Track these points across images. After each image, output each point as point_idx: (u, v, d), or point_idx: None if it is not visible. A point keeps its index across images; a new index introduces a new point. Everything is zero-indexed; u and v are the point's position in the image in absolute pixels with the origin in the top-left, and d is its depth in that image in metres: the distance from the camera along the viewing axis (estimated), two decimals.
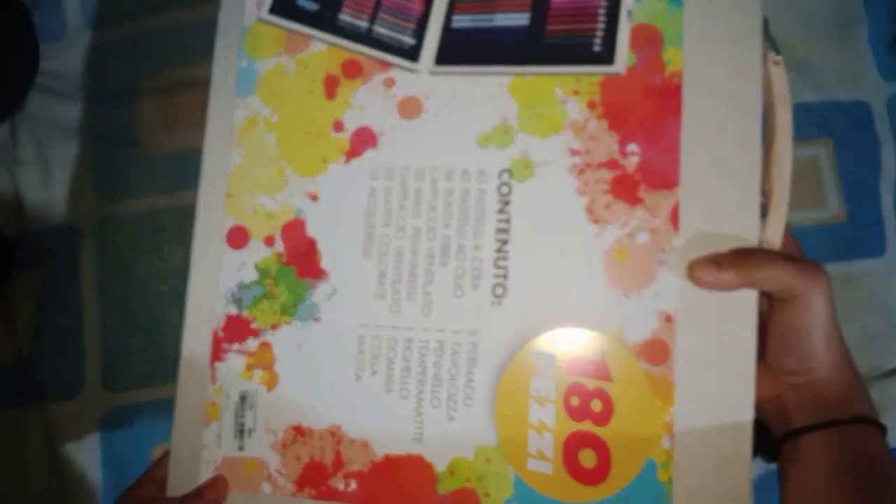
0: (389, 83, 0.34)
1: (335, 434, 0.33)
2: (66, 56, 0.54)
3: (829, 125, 0.52)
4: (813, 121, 0.52)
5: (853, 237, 0.52)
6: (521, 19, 0.33)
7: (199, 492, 0.32)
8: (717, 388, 0.29)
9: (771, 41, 0.32)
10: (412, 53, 0.34)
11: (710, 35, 0.31)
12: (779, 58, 0.32)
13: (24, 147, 0.53)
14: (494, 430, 0.31)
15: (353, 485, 0.32)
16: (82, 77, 0.54)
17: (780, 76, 0.31)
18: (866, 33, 0.53)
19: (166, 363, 0.51)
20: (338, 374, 0.33)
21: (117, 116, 0.54)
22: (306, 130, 0.35)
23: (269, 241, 0.34)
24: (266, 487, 0.33)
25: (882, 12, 0.53)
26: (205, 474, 0.34)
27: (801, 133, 0.49)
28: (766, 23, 0.31)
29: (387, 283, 0.33)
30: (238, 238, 0.35)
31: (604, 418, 0.30)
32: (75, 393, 0.51)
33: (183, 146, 0.53)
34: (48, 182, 0.53)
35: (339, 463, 0.32)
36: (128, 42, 0.54)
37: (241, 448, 0.33)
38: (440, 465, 0.31)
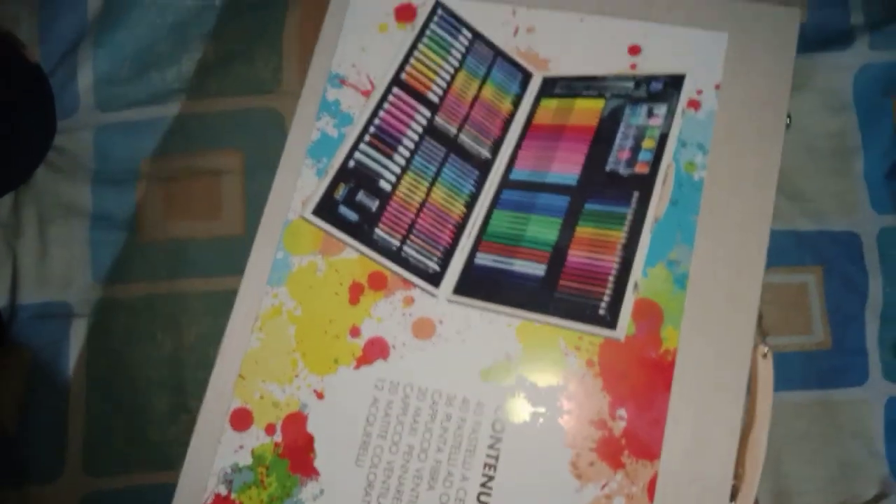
0: (409, 301, 0.37)
1: None
2: (75, 134, 0.56)
3: (821, 253, 0.54)
4: (805, 248, 0.54)
5: (836, 365, 0.53)
6: (537, 269, 0.37)
7: None
8: None
9: (761, 334, 0.35)
10: (435, 279, 0.37)
11: (707, 320, 0.34)
12: (767, 350, 0.35)
13: (25, 222, 0.55)
14: None
15: None
16: (88, 157, 0.56)
17: (766, 369, 0.35)
18: (863, 166, 0.56)
19: (148, 449, 0.52)
20: None
21: (119, 200, 0.55)
22: (325, 330, 0.37)
23: (270, 430, 0.37)
24: None
25: (880, 147, 0.56)
26: None
27: (793, 260, 0.53)
28: (760, 316, 0.35)
29: (373, 495, 0.35)
30: (241, 420, 0.37)
31: None
32: (56, 476, 0.51)
33: (182, 234, 0.55)
34: (45, 259, 0.54)
35: None
36: (135, 127, 0.56)
37: None
38: None
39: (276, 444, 0.36)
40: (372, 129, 0.40)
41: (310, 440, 0.36)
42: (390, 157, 0.40)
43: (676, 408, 0.34)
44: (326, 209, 0.39)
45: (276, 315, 0.38)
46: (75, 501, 0.51)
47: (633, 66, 0.39)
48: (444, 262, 0.38)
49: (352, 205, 0.39)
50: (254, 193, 0.55)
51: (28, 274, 0.54)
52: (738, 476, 0.34)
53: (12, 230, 0.55)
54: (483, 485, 0.34)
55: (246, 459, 0.36)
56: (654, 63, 0.39)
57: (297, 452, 0.36)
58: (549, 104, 0.39)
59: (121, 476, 0.51)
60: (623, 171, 0.38)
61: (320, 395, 0.37)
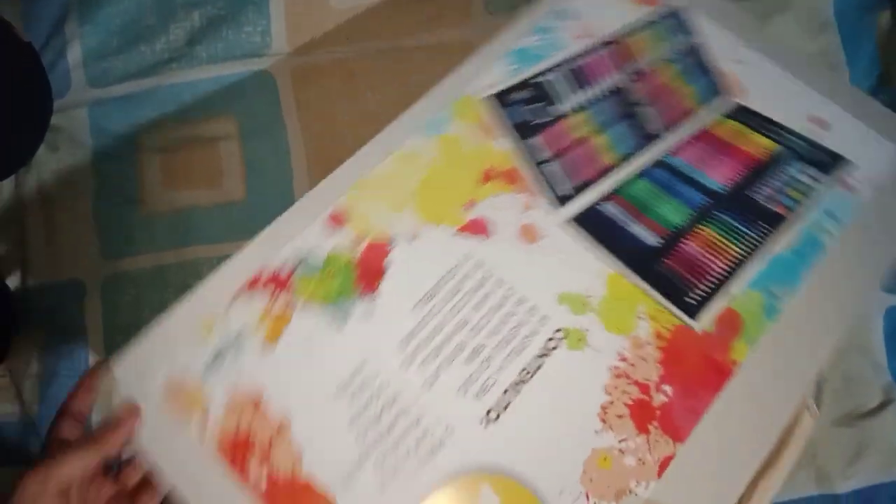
0: (528, 206, 0.40)
1: (282, 429, 0.34)
2: (69, 112, 0.56)
3: None
4: None
5: None
6: (652, 239, 0.39)
7: (118, 422, 0.33)
8: None
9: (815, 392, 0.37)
10: (562, 200, 0.40)
11: (777, 354, 0.36)
12: (816, 412, 0.37)
13: (29, 204, 0.55)
14: None
15: (264, 480, 0.33)
16: (85, 134, 0.56)
17: (806, 426, 0.36)
18: (848, 83, 0.56)
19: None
20: (324, 380, 0.35)
21: (120, 174, 0.56)
22: (447, 189, 0.40)
23: (356, 242, 0.39)
24: (194, 427, 0.34)
25: (863, 63, 0.56)
26: (155, 385, 0.35)
27: None
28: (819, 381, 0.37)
29: (413, 343, 0.36)
30: (337, 220, 0.39)
31: None
32: None
33: (184, 204, 0.55)
34: (52, 239, 0.55)
35: (266, 454, 0.34)
36: (129, 100, 0.56)
37: (202, 378, 0.35)
38: None
39: (353, 258, 0.38)
40: (573, 65, 0.44)
41: (381, 272, 0.38)
42: (574, 93, 0.43)
43: (717, 411, 0.35)
44: (504, 99, 0.43)
45: (415, 159, 0.41)
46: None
47: (812, 130, 0.43)
48: (576, 192, 0.40)
49: (525, 109, 0.42)
50: (252, 158, 0.55)
51: (37, 255, 0.54)
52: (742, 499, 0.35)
53: (17, 213, 0.55)
54: (514, 384, 0.36)
55: (321, 254, 0.38)
56: (831, 138, 0.42)
57: (366, 274, 0.38)
58: (731, 124, 0.43)
59: None
60: (763, 202, 0.41)
61: (413, 237, 0.39)
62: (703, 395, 0.36)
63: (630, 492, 0.34)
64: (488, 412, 0.35)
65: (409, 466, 0.34)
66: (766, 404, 0.36)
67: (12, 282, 0.54)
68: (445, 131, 0.42)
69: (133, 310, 0.53)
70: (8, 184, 0.56)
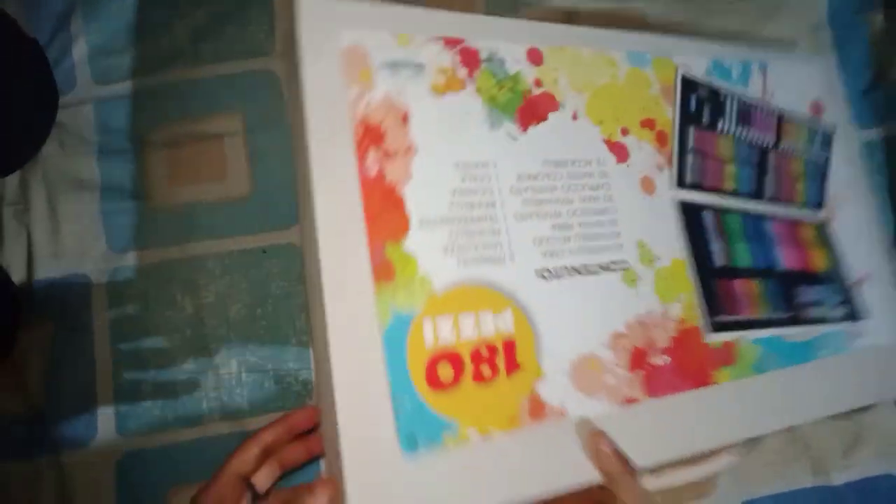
0: (660, 166, 0.45)
1: (408, 151, 0.38)
2: (74, 109, 0.56)
3: None
4: None
5: None
6: (719, 261, 0.46)
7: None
8: None
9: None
10: (682, 182, 0.46)
11: (733, 397, 0.44)
12: (735, 458, 0.43)
13: (34, 199, 0.55)
14: None
15: (374, 172, 0.36)
16: (90, 130, 0.56)
17: (727, 458, 0.43)
18: (841, 83, 0.58)
19: (178, 409, 0.53)
20: (454, 150, 0.40)
21: (125, 170, 0.56)
22: (615, 107, 0.45)
23: (537, 84, 0.43)
24: (352, 92, 0.37)
25: (856, 62, 0.60)
26: (339, 42, 0.38)
27: None
28: None
29: (530, 182, 0.41)
30: (535, 58, 0.43)
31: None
32: (88, 441, 0.52)
33: (190, 199, 0.56)
34: (58, 234, 0.55)
35: (388, 156, 0.37)
36: (134, 97, 0.57)
37: (378, 66, 0.38)
38: None
39: (530, 92, 0.42)
40: (747, 103, 0.51)
41: (541, 118, 0.42)
42: (736, 123, 0.50)
43: (680, 400, 0.42)
44: (691, 85, 0.49)
45: (613, 65, 0.46)
46: (111, 463, 0.52)
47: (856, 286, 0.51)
48: (695, 188, 0.47)
49: (699, 104, 0.49)
50: (257, 153, 0.56)
51: (42, 249, 0.55)
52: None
53: (22, 208, 0.56)
54: (573, 268, 0.41)
55: (511, 68, 0.42)
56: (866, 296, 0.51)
57: (530, 111, 0.42)
58: (813, 233, 0.51)
59: (155, 435, 0.53)
60: (798, 299, 0.48)
61: (574, 117, 0.43)
62: (681, 383, 0.42)
63: (594, 396, 0.39)
64: (545, 270, 0.40)
65: (469, 255, 0.38)
66: (707, 424, 0.42)
67: (18, 276, 0.55)
68: (641, 68, 0.47)
69: (139, 304, 0.54)
70: (13, 179, 0.56)
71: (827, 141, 0.54)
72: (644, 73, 0.47)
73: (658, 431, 0.41)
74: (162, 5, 0.57)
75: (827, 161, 0.54)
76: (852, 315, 0.50)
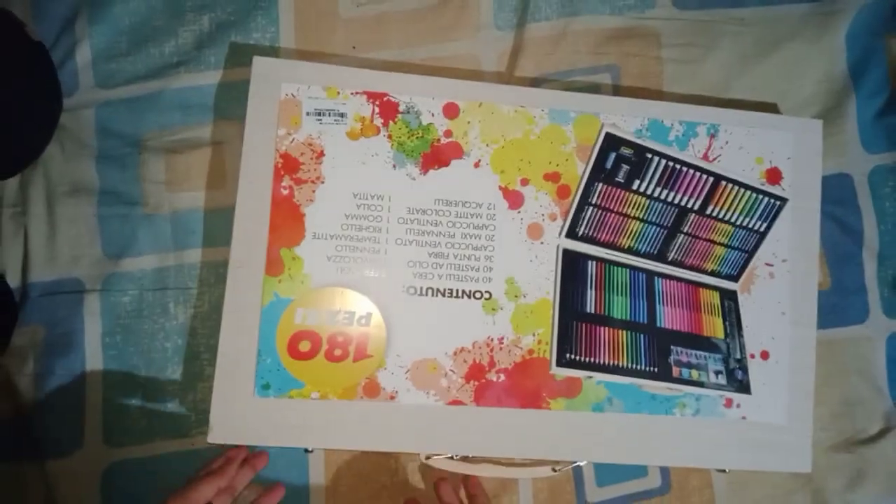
0: (552, 217, 0.53)
1: (317, 180, 0.51)
2: (76, 112, 0.57)
3: None
4: None
5: (837, 304, 0.58)
6: (590, 306, 0.53)
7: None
8: None
9: None
10: (571, 233, 0.53)
11: (562, 427, 0.52)
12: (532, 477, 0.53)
13: (33, 201, 0.56)
14: None
15: (285, 189, 0.51)
16: (90, 134, 0.57)
17: (535, 475, 0.53)
18: (855, 110, 0.60)
19: (165, 419, 0.54)
20: (358, 181, 0.52)
21: (123, 175, 0.56)
22: (521, 158, 0.53)
23: (447, 135, 0.53)
24: (279, 130, 0.51)
25: (871, 86, 0.60)
26: (278, 94, 0.52)
27: None
28: None
29: (417, 216, 0.52)
30: (452, 112, 0.53)
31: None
32: (74, 449, 0.53)
33: (187, 205, 0.56)
34: (54, 237, 0.55)
35: (299, 182, 0.51)
36: (135, 102, 0.57)
37: (306, 112, 0.52)
38: None
39: (438, 141, 0.52)
40: (675, 166, 0.55)
41: (443, 163, 0.52)
42: (656, 185, 0.54)
43: (503, 415, 0.52)
44: (614, 144, 0.54)
45: (530, 120, 0.53)
46: (97, 472, 0.54)
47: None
48: (585, 240, 0.53)
49: (618, 163, 0.54)
50: None
51: (38, 253, 0.55)
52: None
53: (21, 210, 0.56)
54: (439, 290, 0.52)
55: (425, 120, 0.53)
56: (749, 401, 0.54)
57: (434, 158, 0.52)
58: (715, 301, 0.55)
59: (141, 446, 0.54)
60: (673, 360, 0.54)
61: (477, 167, 0.53)
62: (511, 400, 0.52)
63: (424, 391, 0.51)
64: (413, 288, 0.52)
65: (348, 265, 0.51)
66: (527, 438, 0.52)
67: (13, 279, 0.56)
68: (561, 125, 0.54)
69: (132, 310, 0.55)
70: (13, 181, 0.57)
71: (771, 211, 0.55)
72: (561, 130, 0.54)
73: (477, 432, 0.52)
74: (166, 10, 0.58)
75: (762, 234, 0.55)
76: (732, 385, 0.54)
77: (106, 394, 0.54)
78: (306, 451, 0.53)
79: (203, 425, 0.53)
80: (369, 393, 0.51)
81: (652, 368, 0.54)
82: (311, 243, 0.51)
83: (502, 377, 0.52)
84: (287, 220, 0.51)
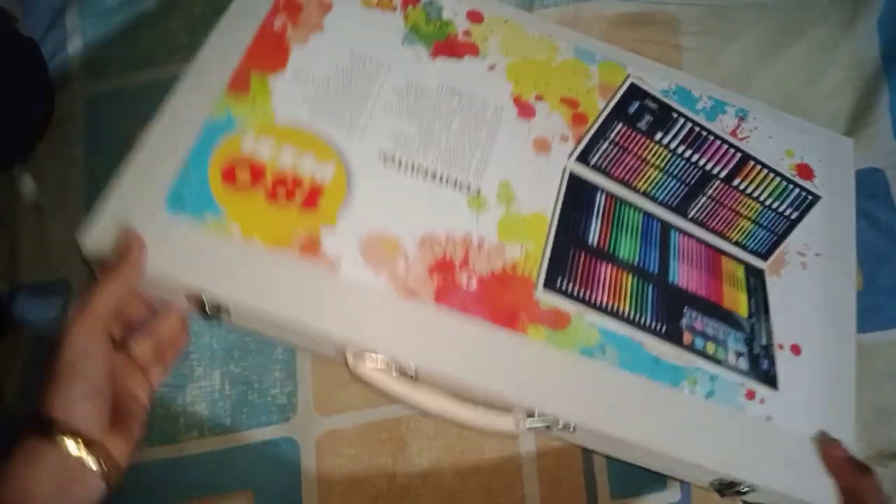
0: (563, 139, 0.47)
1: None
2: (67, 106, 0.56)
3: None
4: None
5: (871, 305, 0.53)
6: (591, 238, 0.45)
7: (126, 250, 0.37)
8: None
9: None
10: (583, 158, 0.47)
11: (538, 361, 0.40)
12: (519, 430, 0.39)
13: (22, 200, 0.55)
14: None
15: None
16: (82, 129, 0.56)
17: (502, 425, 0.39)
18: (888, 100, 0.56)
19: (156, 424, 0.51)
20: (358, 38, 0.48)
21: (114, 172, 0.55)
22: (542, 78, 0.49)
23: (466, 33, 0.50)
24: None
25: None
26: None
27: None
28: None
29: (415, 92, 0.46)
30: (475, 17, 0.50)
31: None
32: None
33: None
34: (43, 238, 0.54)
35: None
36: (128, 94, 0.56)
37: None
38: None
39: (455, 34, 0.49)
40: (701, 131, 0.51)
41: (457, 55, 0.49)
42: (678, 142, 0.50)
43: (478, 328, 0.40)
44: (639, 94, 0.51)
45: (553, 47, 0.51)
46: None
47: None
48: (597, 169, 0.47)
49: (642, 113, 0.50)
50: None
51: (27, 253, 0.54)
52: None
53: (9, 208, 0.55)
54: (422, 170, 0.44)
55: (446, 13, 0.50)
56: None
57: (447, 48, 0.49)
58: (740, 276, 0.47)
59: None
60: (684, 324, 0.44)
61: (492, 68, 0.49)
62: (478, 309, 0.41)
63: (373, 270, 0.40)
64: (392, 157, 0.44)
65: (322, 112, 0.44)
66: (492, 363, 0.40)
67: (3, 280, 0.54)
68: (585, 62, 0.51)
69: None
70: (2, 179, 0.56)
71: (802, 203, 0.50)
72: (585, 66, 0.51)
73: (430, 339, 0.40)
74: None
75: (793, 221, 0.49)
76: (756, 374, 0.43)
77: None
78: (207, 316, 0.40)
79: (192, 430, 0.50)
80: (306, 250, 0.40)
81: (658, 325, 0.43)
82: (288, 80, 0.45)
83: (474, 283, 0.42)
84: (270, 49, 0.46)
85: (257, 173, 0.42)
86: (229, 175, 0.41)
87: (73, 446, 0.33)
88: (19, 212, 0.54)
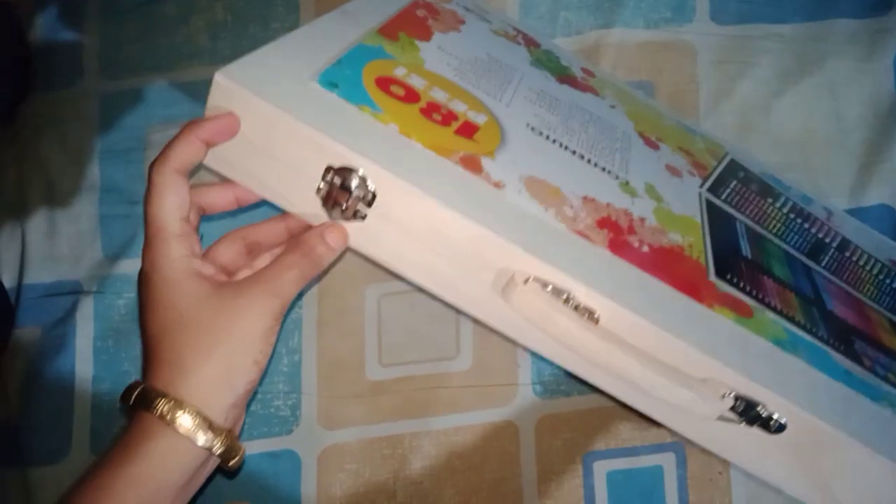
0: (695, 174, 0.46)
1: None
2: (79, 103, 0.55)
3: None
4: None
5: None
6: (744, 251, 0.41)
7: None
8: None
9: None
10: (713, 190, 0.45)
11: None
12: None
13: (32, 199, 0.54)
14: None
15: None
16: (94, 128, 0.54)
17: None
18: None
19: None
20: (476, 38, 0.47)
21: (127, 172, 0.54)
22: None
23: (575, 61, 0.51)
24: None
25: None
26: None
27: None
28: None
29: (549, 116, 0.45)
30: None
31: None
32: (61, 457, 0.50)
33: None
34: (54, 237, 0.53)
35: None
36: (142, 94, 0.54)
37: None
38: None
39: (569, 67, 0.50)
40: (798, 206, 0.51)
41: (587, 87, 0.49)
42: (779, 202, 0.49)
43: (662, 287, 0.34)
44: (734, 168, 0.51)
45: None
46: None
47: None
48: (723, 199, 0.45)
49: (745, 180, 0.50)
50: None
51: (36, 253, 0.53)
52: None
53: (20, 207, 0.54)
54: (569, 149, 0.40)
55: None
56: None
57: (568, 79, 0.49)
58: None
59: None
60: (865, 356, 0.38)
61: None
62: (656, 270, 0.35)
63: (542, 204, 0.34)
64: (539, 129, 0.41)
65: (468, 80, 0.41)
66: (682, 322, 0.32)
67: (9, 278, 0.54)
68: (687, 129, 0.52)
69: (126, 313, 0.52)
70: (12, 176, 0.55)
71: None
72: (689, 134, 0.52)
73: (612, 279, 0.32)
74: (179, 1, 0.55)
75: None
76: None
77: (95, 401, 0.51)
78: (340, 211, 0.31)
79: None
80: (468, 165, 0.34)
81: (837, 344, 0.37)
82: (434, 48, 0.43)
83: (646, 248, 0.36)
84: (415, 24, 0.44)
85: (411, 93, 0.37)
86: (383, 84, 0.36)
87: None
88: (28, 209, 0.53)
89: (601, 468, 0.49)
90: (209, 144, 0.31)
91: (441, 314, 0.50)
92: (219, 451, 0.30)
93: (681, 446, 0.50)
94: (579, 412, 0.50)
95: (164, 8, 0.55)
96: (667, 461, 0.50)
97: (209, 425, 0.29)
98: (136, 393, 0.29)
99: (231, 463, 0.31)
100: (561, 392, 0.50)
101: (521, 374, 0.51)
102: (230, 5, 0.55)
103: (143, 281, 0.31)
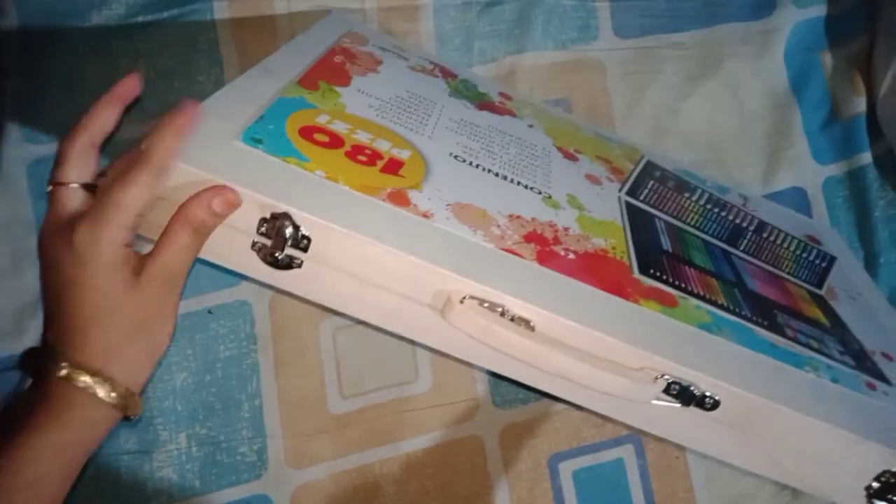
0: (613, 180, 0.49)
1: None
2: (5, 166, 0.53)
3: None
4: None
5: None
6: (665, 244, 0.44)
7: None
8: None
9: None
10: (631, 192, 0.48)
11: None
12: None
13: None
14: None
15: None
16: (21, 186, 0.53)
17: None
18: (801, 121, 0.61)
19: (121, 495, 0.49)
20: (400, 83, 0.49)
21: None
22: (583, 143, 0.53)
23: (504, 98, 0.53)
24: None
25: (813, 99, 0.62)
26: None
27: None
28: None
29: (474, 139, 0.48)
30: (504, 97, 0.55)
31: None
32: None
33: None
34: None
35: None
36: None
37: None
38: None
39: (490, 98, 0.53)
40: (717, 202, 0.54)
41: (507, 112, 0.51)
42: (697, 196, 0.53)
43: (589, 291, 0.36)
44: (651, 168, 0.55)
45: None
46: None
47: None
48: (640, 199, 0.48)
49: (662, 178, 0.54)
50: None
51: None
52: None
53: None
54: (490, 171, 0.43)
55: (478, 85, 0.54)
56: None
57: (488, 106, 0.52)
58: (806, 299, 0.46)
59: None
60: (781, 318, 0.41)
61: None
62: (583, 275, 0.37)
63: (469, 227, 0.36)
64: (462, 157, 0.43)
65: (389, 117, 0.44)
66: (610, 318, 0.35)
67: None
68: (603, 138, 0.55)
69: None
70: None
71: (824, 259, 0.52)
72: (606, 142, 0.55)
73: (543, 291, 0.35)
74: (97, 63, 0.54)
75: (826, 268, 0.51)
76: (866, 370, 0.40)
77: None
78: (275, 261, 0.33)
79: (161, 496, 0.49)
80: (395, 200, 0.36)
81: (759, 319, 0.41)
82: (353, 92, 0.45)
83: (571, 255, 0.38)
84: (333, 71, 0.46)
85: (335, 139, 0.39)
86: (307, 133, 0.38)
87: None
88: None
89: (566, 469, 0.52)
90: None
91: (397, 340, 0.52)
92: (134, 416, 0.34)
93: (637, 438, 0.53)
94: (538, 417, 0.52)
95: (87, 69, 0.54)
96: (626, 453, 0.52)
97: (131, 395, 0.33)
98: (61, 367, 0.31)
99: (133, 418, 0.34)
100: (519, 401, 0.52)
101: (480, 388, 0.53)
102: (153, 63, 0.54)
103: (75, 252, 0.31)
